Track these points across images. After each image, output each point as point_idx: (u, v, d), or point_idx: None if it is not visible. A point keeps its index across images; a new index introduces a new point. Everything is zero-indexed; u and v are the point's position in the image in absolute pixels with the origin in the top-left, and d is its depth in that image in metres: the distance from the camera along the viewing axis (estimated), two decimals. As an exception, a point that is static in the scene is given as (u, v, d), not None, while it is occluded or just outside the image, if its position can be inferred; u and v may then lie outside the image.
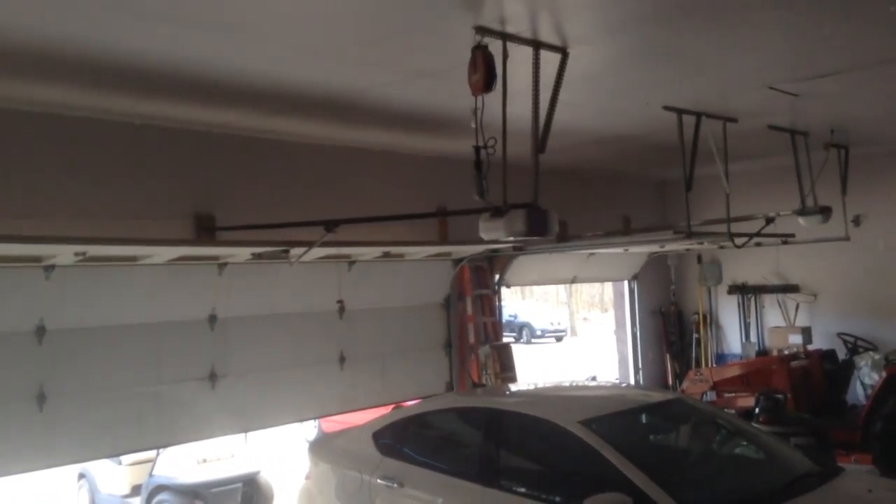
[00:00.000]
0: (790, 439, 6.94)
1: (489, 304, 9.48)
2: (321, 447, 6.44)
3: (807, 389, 9.17)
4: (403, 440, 5.76)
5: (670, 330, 12.26)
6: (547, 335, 30.54)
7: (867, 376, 9.44)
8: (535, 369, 18.59)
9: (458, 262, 8.90)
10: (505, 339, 9.91)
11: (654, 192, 12.10)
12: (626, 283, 12.09)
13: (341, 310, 7.87)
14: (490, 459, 5.24)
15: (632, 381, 11.88)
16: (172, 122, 6.51)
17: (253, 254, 6.38)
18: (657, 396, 6.13)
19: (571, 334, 33.30)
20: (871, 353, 9.63)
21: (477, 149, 4.48)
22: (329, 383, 7.72)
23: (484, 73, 4.29)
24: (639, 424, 5.61)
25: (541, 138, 4.82)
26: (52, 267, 5.77)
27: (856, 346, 9.70)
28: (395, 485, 5.41)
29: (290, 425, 7.94)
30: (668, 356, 12.20)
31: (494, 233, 4.63)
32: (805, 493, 4.53)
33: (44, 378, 5.88)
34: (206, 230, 6.69)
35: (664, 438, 5.82)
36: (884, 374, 8.24)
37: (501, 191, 4.60)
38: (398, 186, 8.31)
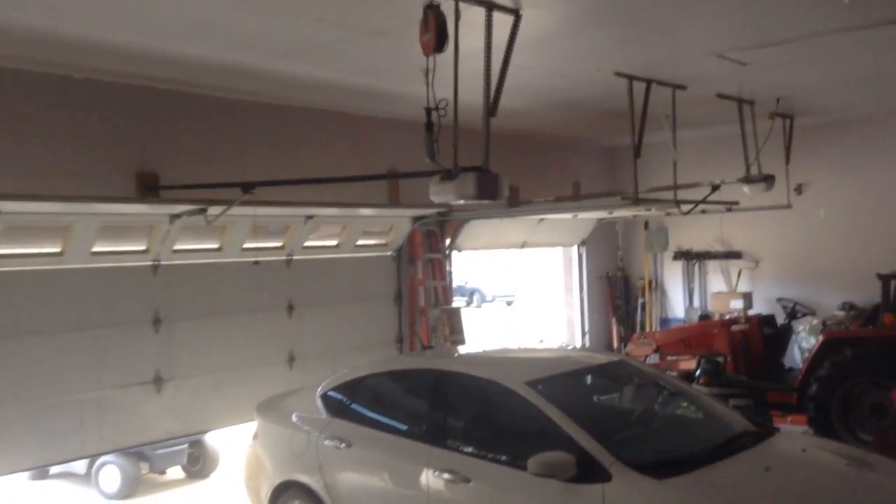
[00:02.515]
0: (728, 400, 7.16)
1: (440, 268, 9.50)
2: (269, 407, 6.41)
3: (746, 353, 9.44)
4: (352, 401, 5.77)
5: (616, 294, 12.49)
6: (497, 300, 30.79)
7: (804, 340, 9.74)
8: (485, 333, 18.76)
9: (398, 256, 8.94)
10: (455, 304, 9.96)
11: (605, 158, 12.19)
12: (574, 248, 12.24)
13: (288, 307, 7.80)
14: (438, 420, 5.29)
15: (578, 344, 12.08)
16: (117, 77, 6.31)
17: (172, 215, 6.30)
18: (601, 358, 6.23)
19: (521, 299, 33.59)
20: (808, 317, 9.93)
21: (428, 110, 4.45)
22: (278, 382, 7.61)
23: (435, 32, 4.24)
24: (583, 385, 5.71)
25: (492, 101, 4.80)
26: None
27: (794, 312, 9.99)
28: (343, 445, 5.43)
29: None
30: (613, 320, 12.44)
31: (444, 196, 4.62)
32: (741, 451, 4.69)
33: None
34: (148, 189, 6.54)
35: (607, 399, 5.94)
36: (820, 338, 8.51)
37: (453, 154, 4.59)
38: (350, 147, 8.21)
